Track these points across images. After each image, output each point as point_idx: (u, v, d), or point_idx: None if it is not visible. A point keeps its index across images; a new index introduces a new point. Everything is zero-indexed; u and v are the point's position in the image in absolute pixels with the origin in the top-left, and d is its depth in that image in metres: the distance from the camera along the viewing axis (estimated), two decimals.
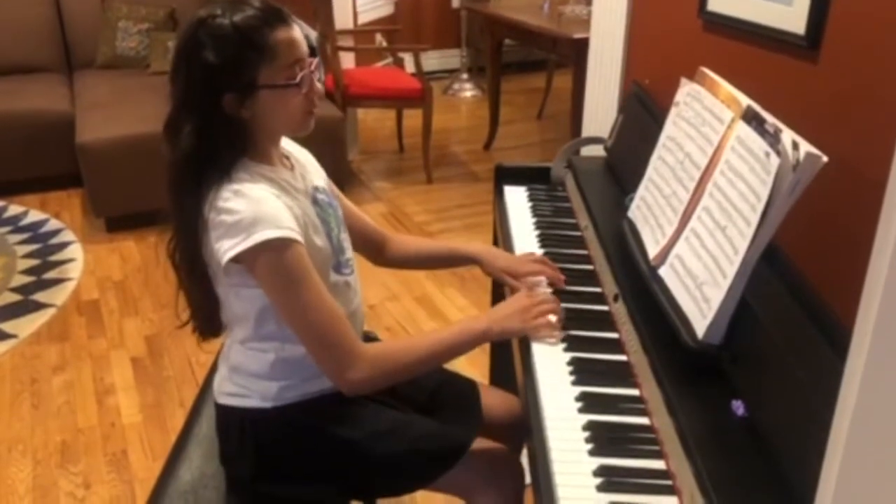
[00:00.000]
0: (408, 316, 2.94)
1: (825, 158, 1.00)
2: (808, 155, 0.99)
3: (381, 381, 1.26)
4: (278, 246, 1.17)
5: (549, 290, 1.46)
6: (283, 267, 1.18)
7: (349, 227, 1.49)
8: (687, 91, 1.42)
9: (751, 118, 1.16)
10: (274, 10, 1.22)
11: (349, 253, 1.40)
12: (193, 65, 1.20)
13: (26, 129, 3.92)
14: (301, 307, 1.20)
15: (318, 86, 1.28)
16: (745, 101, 1.21)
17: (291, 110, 1.25)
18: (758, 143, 1.10)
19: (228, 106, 1.20)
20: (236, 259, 1.17)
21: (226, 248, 1.16)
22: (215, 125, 1.20)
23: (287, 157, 1.36)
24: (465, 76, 6.04)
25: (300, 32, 1.25)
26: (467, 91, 5.97)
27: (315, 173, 1.42)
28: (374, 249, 1.59)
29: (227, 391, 1.33)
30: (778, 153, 1.04)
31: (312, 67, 1.26)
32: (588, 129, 2.42)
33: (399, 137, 4.72)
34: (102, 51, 4.54)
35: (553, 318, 1.32)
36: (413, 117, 4.40)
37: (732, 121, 1.22)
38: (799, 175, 1.00)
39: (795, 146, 1.02)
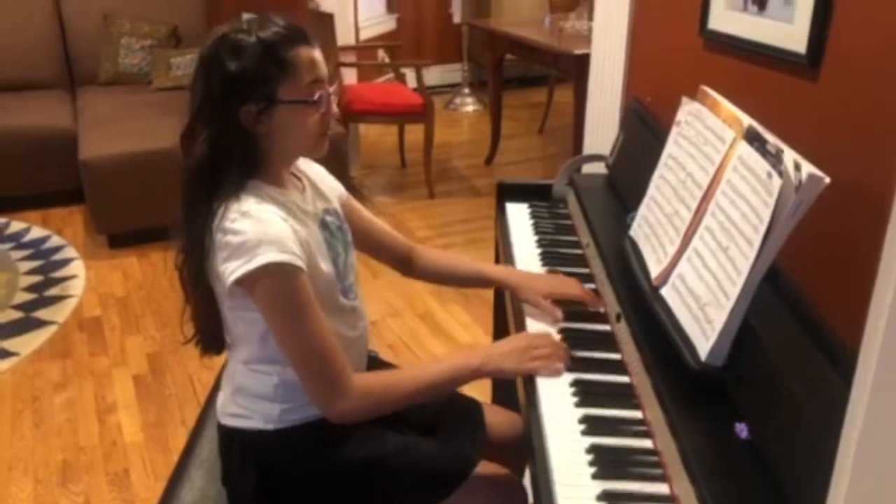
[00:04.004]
0: (410, 333, 2.93)
1: (827, 180, 1.00)
2: (811, 176, 0.99)
3: (368, 414, 1.26)
4: (280, 271, 1.16)
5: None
6: (282, 293, 1.18)
7: (374, 241, 1.50)
8: (688, 110, 1.42)
9: (752, 138, 1.16)
10: (298, 29, 1.24)
11: (352, 278, 1.40)
12: (214, 74, 1.21)
13: (29, 145, 3.94)
14: (296, 334, 1.20)
15: (335, 109, 1.29)
16: (747, 120, 1.21)
17: (306, 129, 1.26)
18: (760, 164, 1.10)
19: (245, 118, 1.21)
20: (240, 282, 1.17)
21: (231, 271, 1.17)
22: (230, 136, 1.21)
23: (300, 179, 1.36)
24: (466, 90, 6.06)
25: (321, 55, 1.26)
26: (469, 105, 5.99)
27: (329, 192, 1.43)
28: (402, 261, 1.58)
29: (230, 412, 1.33)
30: (780, 174, 1.03)
31: (331, 91, 1.27)
32: (589, 145, 2.42)
33: (401, 152, 4.74)
34: (105, 67, 4.56)
35: (558, 365, 1.28)
36: (415, 132, 4.41)
37: (734, 140, 1.22)
38: (801, 196, 1.00)
39: (797, 167, 1.02)
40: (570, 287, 1.47)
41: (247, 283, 1.17)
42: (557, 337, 1.38)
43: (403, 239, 1.60)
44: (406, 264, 1.58)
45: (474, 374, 1.30)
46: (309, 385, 1.22)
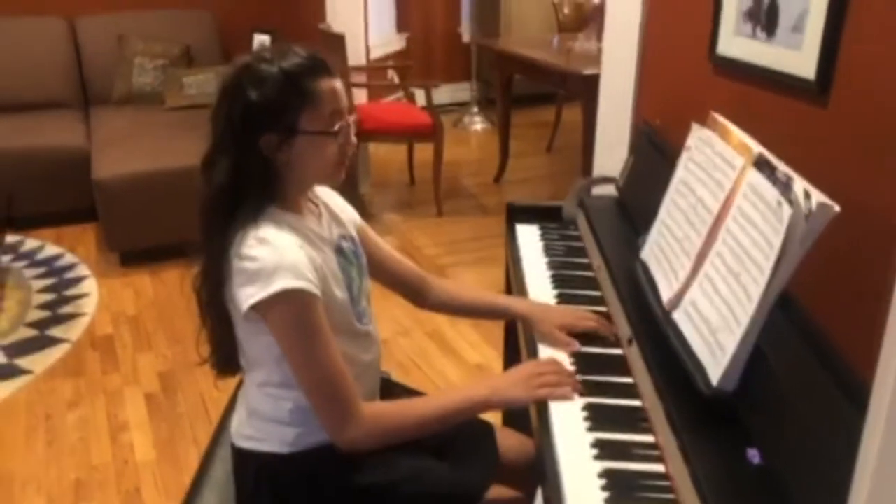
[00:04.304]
0: (419, 352, 2.94)
1: (837, 208, 1.01)
2: (821, 205, 1.00)
3: (377, 443, 1.26)
4: (295, 298, 1.18)
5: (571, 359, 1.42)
6: (296, 319, 1.20)
7: (387, 271, 1.51)
8: (698, 136, 1.44)
9: (762, 165, 1.17)
10: (320, 60, 1.26)
11: (365, 303, 1.41)
12: (237, 103, 1.23)
13: (43, 164, 3.98)
14: (309, 360, 1.21)
15: (354, 140, 1.31)
16: (756, 147, 1.22)
17: (325, 159, 1.28)
18: (770, 192, 1.11)
19: (266, 147, 1.23)
20: (255, 307, 1.18)
21: (246, 297, 1.18)
22: (250, 164, 1.23)
23: (316, 205, 1.38)
24: (475, 109, 6.10)
25: (342, 86, 1.29)
26: (477, 124, 6.02)
27: (345, 218, 1.45)
28: (414, 293, 1.57)
29: (245, 434, 1.34)
30: (790, 202, 1.05)
31: (351, 121, 1.29)
32: (599, 167, 2.44)
33: (410, 170, 4.76)
34: (118, 87, 4.61)
35: (566, 388, 1.29)
36: (424, 150, 4.44)
37: (744, 167, 1.23)
38: (811, 225, 1.01)
39: (807, 195, 1.03)
40: (585, 319, 1.47)
41: (262, 309, 1.19)
42: (568, 361, 1.39)
43: (417, 269, 1.60)
44: (419, 295, 1.58)
45: (484, 406, 1.32)
46: (320, 412, 1.24)
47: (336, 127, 1.26)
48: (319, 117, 1.24)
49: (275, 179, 1.26)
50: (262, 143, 1.23)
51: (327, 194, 1.45)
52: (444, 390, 1.41)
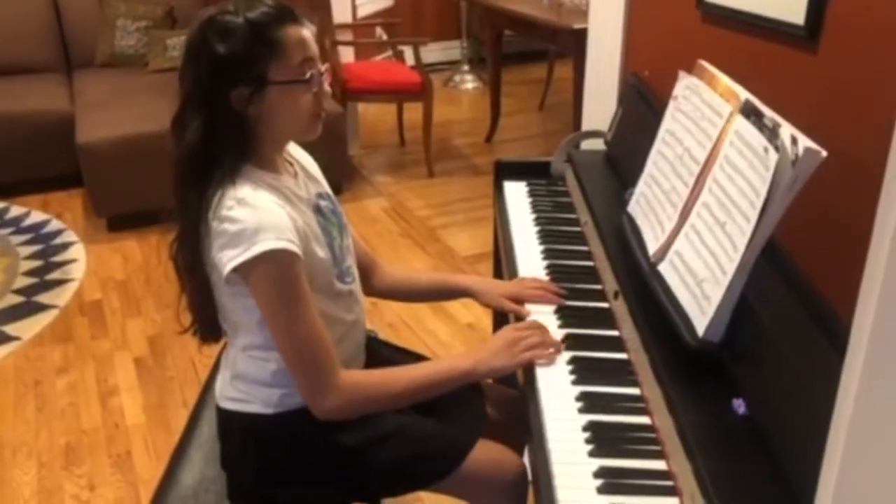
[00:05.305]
0: (410, 312, 2.92)
1: (824, 153, 0.99)
2: (807, 150, 0.98)
3: (353, 412, 1.25)
4: (277, 258, 1.16)
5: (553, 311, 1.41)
6: (278, 280, 1.17)
7: None
8: (685, 84, 1.41)
9: (749, 112, 1.15)
10: (286, 8, 1.22)
11: (350, 261, 1.39)
12: (203, 58, 1.19)
13: (26, 129, 3.91)
14: (289, 323, 1.19)
15: (327, 89, 1.27)
16: (744, 94, 1.19)
17: (299, 110, 1.24)
18: (756, 138, 1.09)
19: (236, 102, 1.19)
20: (236, 269, 1.16)
21: (227, 259, 1.16)
22: (222, 121, 1.19)
23: (291, 164, 1.35)
24: (465, 68, 6.01)
25: (311, 34, 1.25)
26: (468, 83, 5.94)
27: (319, 175, 1.41)
28: (363, 275, 1.50)
29: (229, 396, 1.33)
30: (776, 149, 1.02)
31: (323, 70, 1.25)
32: (588, 122, 2.40)
33: (400, 131, 4.71)
34: (101, 49, 4.53)
35: (548, 349, 1.28)
36: (414, 110, 4.38)
37: (731, 115, 1.20)
38: (798, 171, 0.99)
39: (794, 141, 1.01)
40: (527, 289, 1.45)
41: (243, 271, 1.17)
42: (554, 316, 1.38)
43: (371, 253, 1.56)
44: (364, 278, 1.51)
45: (466, 377, 1.30)
46: (296, 375, 1.22)
47: (307, 75, 1.22)
48: (288, 67, 1.21)
49: (248, 136, 1.23)
50: (232, 97, 1.19)
51: (299, 152, 1.41)
52: (426, 362, 1.39)
